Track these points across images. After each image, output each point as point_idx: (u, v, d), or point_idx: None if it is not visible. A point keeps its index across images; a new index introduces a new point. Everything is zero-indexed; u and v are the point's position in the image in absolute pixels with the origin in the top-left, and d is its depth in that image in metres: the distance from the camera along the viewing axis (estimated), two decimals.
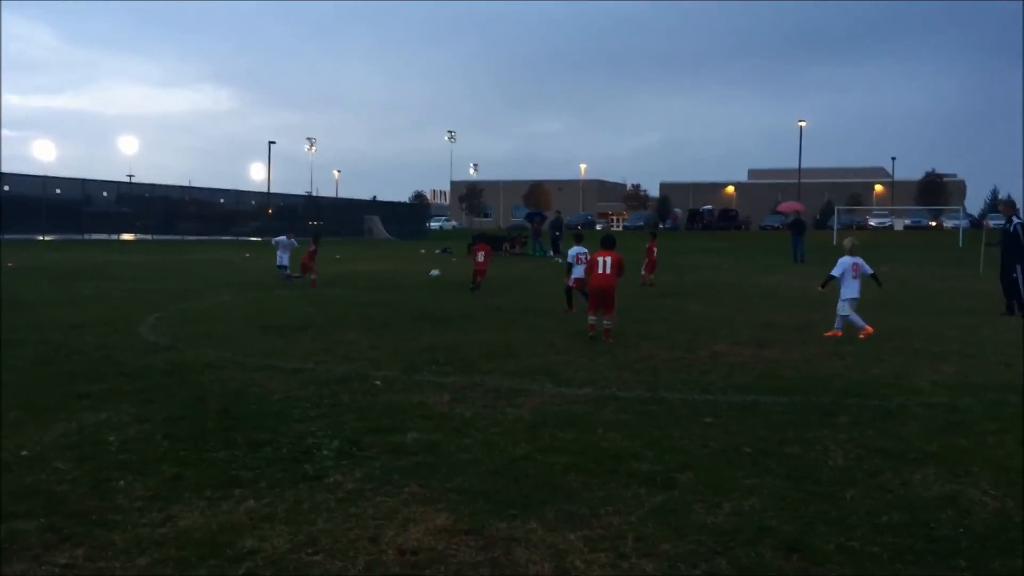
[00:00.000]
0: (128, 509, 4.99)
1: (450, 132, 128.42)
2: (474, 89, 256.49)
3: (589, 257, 13.13)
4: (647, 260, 21.63)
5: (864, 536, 4.64)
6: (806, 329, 13.16)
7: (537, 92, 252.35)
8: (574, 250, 15.26)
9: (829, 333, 12.48)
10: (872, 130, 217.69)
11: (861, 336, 12.10)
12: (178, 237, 56.55)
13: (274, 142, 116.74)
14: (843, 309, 12.54)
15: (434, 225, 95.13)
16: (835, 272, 12.74)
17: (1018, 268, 15.59)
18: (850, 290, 12.54)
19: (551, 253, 38.64)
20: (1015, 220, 15.76)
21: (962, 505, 5.16)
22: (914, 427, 7.04)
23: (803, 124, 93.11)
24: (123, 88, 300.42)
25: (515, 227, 70.50)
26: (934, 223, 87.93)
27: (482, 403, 7.89)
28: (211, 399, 7.90)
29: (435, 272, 25.09)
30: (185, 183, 74.61)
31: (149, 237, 55.59)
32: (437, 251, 41.85)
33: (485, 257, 19.66)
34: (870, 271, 12.89)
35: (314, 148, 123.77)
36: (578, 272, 14.55)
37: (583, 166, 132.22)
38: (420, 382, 8.84)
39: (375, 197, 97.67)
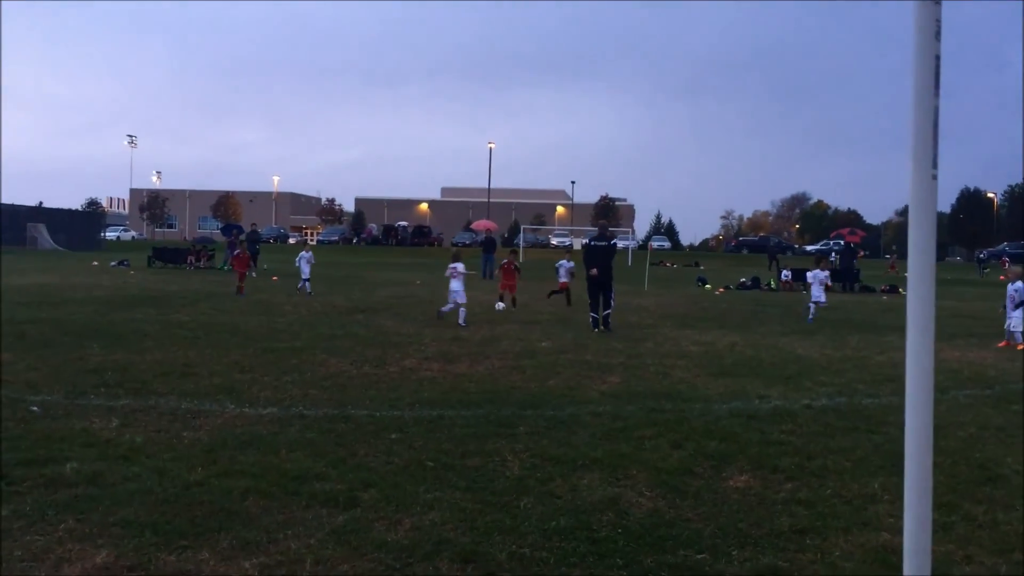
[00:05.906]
0: None
1: (130, 136, 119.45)
2: (159, 92, 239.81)
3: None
4: None
5: (534, 542, 4.89)
6: (491, 343, 13.71)
7: (230, 100, 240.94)
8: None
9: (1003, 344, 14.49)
10: (557, 155, 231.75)
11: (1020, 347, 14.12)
12: None
13: None
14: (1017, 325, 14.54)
15: (111, 235, 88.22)
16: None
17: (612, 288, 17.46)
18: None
19: None
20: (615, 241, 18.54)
21: (621, 507, 5.59)
22: (583, 435, 7.55)
23: (492, 146, 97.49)
24: None
25: (201, 239, 67.29)
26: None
27: (155, 427, 7.40)
28: None
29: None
30: None
31: None
32: (112, 263, 38.85)
33: None
34: None
35: None
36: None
37: (276, 178, 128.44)
38: (85, 407, 8.13)
39: (41, 203, 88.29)
